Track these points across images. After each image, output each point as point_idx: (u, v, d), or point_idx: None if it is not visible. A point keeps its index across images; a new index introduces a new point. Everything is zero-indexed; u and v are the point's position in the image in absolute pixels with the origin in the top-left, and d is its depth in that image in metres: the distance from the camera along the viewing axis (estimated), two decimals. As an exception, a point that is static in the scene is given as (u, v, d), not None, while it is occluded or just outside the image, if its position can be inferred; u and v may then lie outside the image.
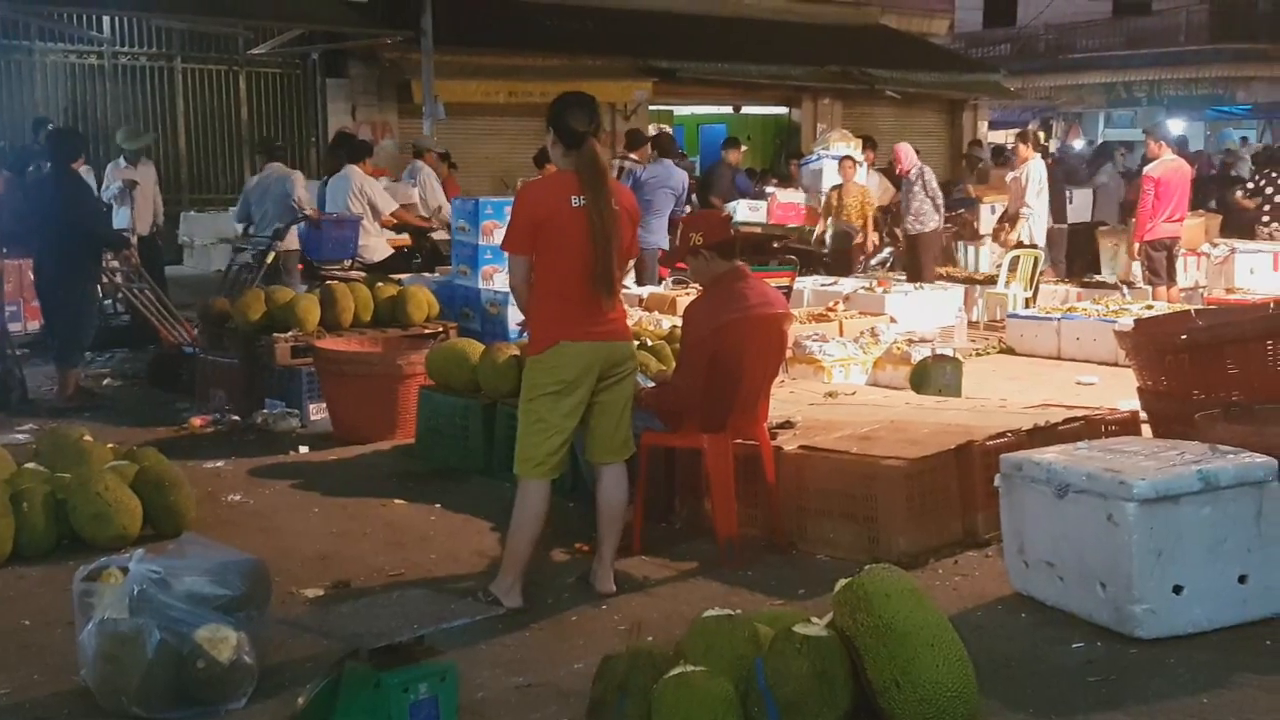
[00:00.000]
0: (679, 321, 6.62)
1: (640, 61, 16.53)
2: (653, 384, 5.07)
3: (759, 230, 13.06)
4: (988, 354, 9.29)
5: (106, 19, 13.80)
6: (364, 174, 9.80)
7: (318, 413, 6.90)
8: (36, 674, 3.68)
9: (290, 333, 7.10)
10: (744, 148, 16.13)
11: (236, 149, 14.86)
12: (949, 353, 7.66)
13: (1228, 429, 4.33)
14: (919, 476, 4.56)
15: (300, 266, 9.41)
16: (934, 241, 11.66)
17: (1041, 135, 15.97)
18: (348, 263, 9.36)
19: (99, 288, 8.41)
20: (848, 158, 12.21)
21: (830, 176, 12.82)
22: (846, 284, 10.34)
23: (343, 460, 6.28)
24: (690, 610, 3.77)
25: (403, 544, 4.90)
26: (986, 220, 12.69)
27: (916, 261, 11.46)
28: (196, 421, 6.96)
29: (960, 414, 5.48)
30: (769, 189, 14.43)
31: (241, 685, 3.40)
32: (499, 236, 7.63)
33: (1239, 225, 13.06)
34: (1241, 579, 3.83)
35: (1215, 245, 11.84)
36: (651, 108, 17.47)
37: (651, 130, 13.61)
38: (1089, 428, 5.08)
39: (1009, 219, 11.02)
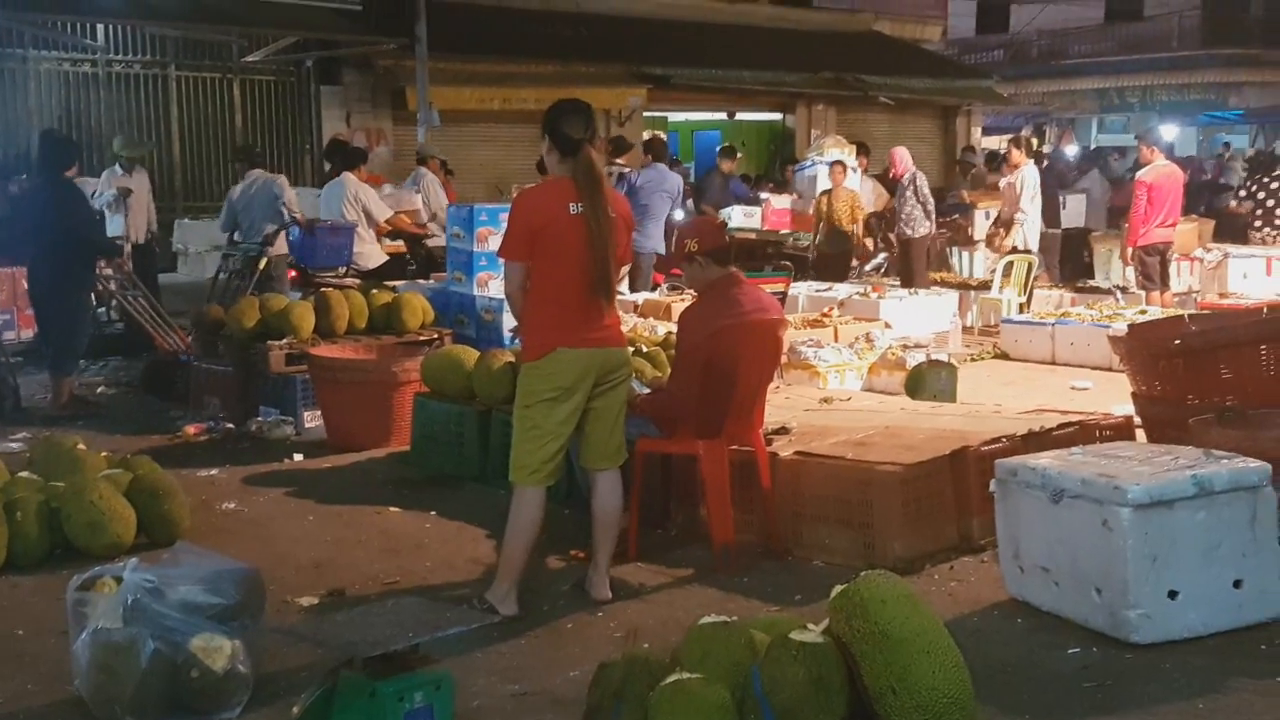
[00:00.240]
0: (674, 327, 6.61)
1: (634, 68, 16.56)
2: (648, 390, 5.07)
3: (754, 236, 13.10)
4: (982, 359, 9.29)
5: (100, 27, 13.80)
6: (359, 181, 9.80)
7: (312, 420, 6.89)
8: (30, 684, 3.66)
9: (285, 340, 7.09)
10: (739, 155, 16.17)
11: (231, 157, 14.83)
12: (944, 358, 7.66)
13: (1222, 434, 4.33)
14: (914, 482, 4.55)
15: (294, 274, 9.40)
16: (924, 247, 11.68)
17: (1034, 141, 15.97)
18: (342, 270, 9.35)
19: (93, 296, 8.39)
20: (838, 163, 12.23)
21: (824, 182, 12.84)
22: (841, 289, 10.35)
23: (337, 468, 6.26)
24: (686, 617, 3.77)
25: (398, 552, 4.89)
26: (980, 226, 12.71)
27: (908, 267, 11.48)
28: (191, 429, 6.94)
29: (955, 419, 5.48)
30: (764, 195, 14.46)
31: (236, 695, 3.39)
32: (494, 243, 7.64)
33: (1231, 230, 13.09)
34: (1236, 584, 3.83)
35: (1208, 250, 11.86)
36: (646, 114, 17.51)
37: (645, 136, 13.63)
38: (1083, 433, 5.08)
39: (1003, 224, 11.04)
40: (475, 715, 3.40)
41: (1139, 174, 10.25)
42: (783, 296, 8.49)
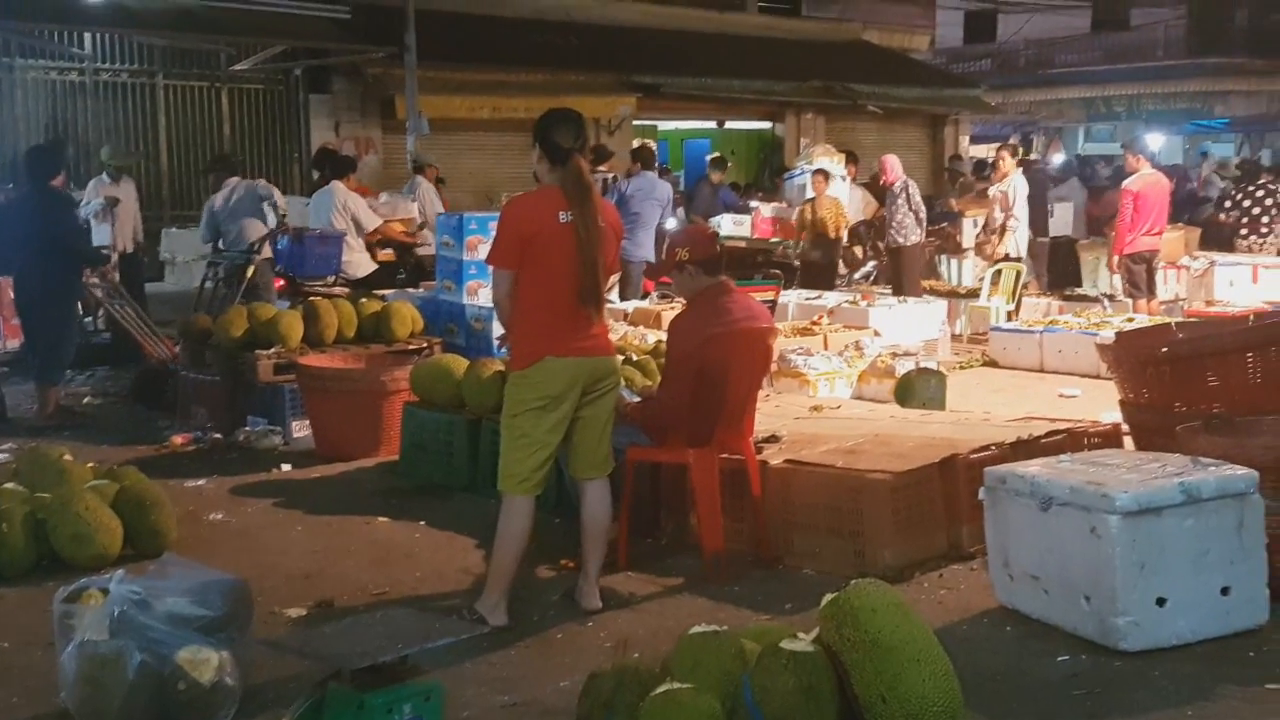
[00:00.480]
0: (664, 336, 6.62)
1: (624, 77, 16.57)
2: (638, 399, 5.07)
3: (744, 244, 13.11)
4: (971, 367, 9.32)
5: (88, 35, 13.76)
6: (347, 189, 9.79)
7: (300, 430, 6.87)
8: (15, 697, 3.64)
9: (273, 349, 7.07)
10: (730, 164, 16.21)
11: (207, 167, 14.78)
12: (933, 366, 7.69)
13: (1209, 441, 4.35)
14: (904, 490, 4.56)
15: (283, 283, 9.39)
16: (917, 255, 11.72)
17: (1020, 150, 16.01)
18: (331, 279, 9.34)
19: (80, 305, 8.36)
20: (819, 171, 12.26)
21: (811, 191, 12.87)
22: (831, 298, 10.37)
23: (326, 478, 6.25)
24: (677, 626, 3.76)
25: (387, 562, 4.88)
26: (969, 234, 12.75)
27: (899, 275, 11.51)
28: (178, 440, 6.91)
29: (944, 427, 5.49)
30: (753, 203, 14.49)
31: (223, 707, 3.37)
32: (483, 251, 7.61)
33: (1217, 238, 13.15)
34: (1224, 591, 3.85)
35: (1195, 258, 11.92)
36: (635, 122, 17.52)
37: (635, 144, 13.64)
38: (1072, 440, 5.10)
39: (994, 231, 11.03)
40: (465, 726, 3.39)
41: (1125, 183, 10.30)
42: (772, 304, 8.52)
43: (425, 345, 7.50)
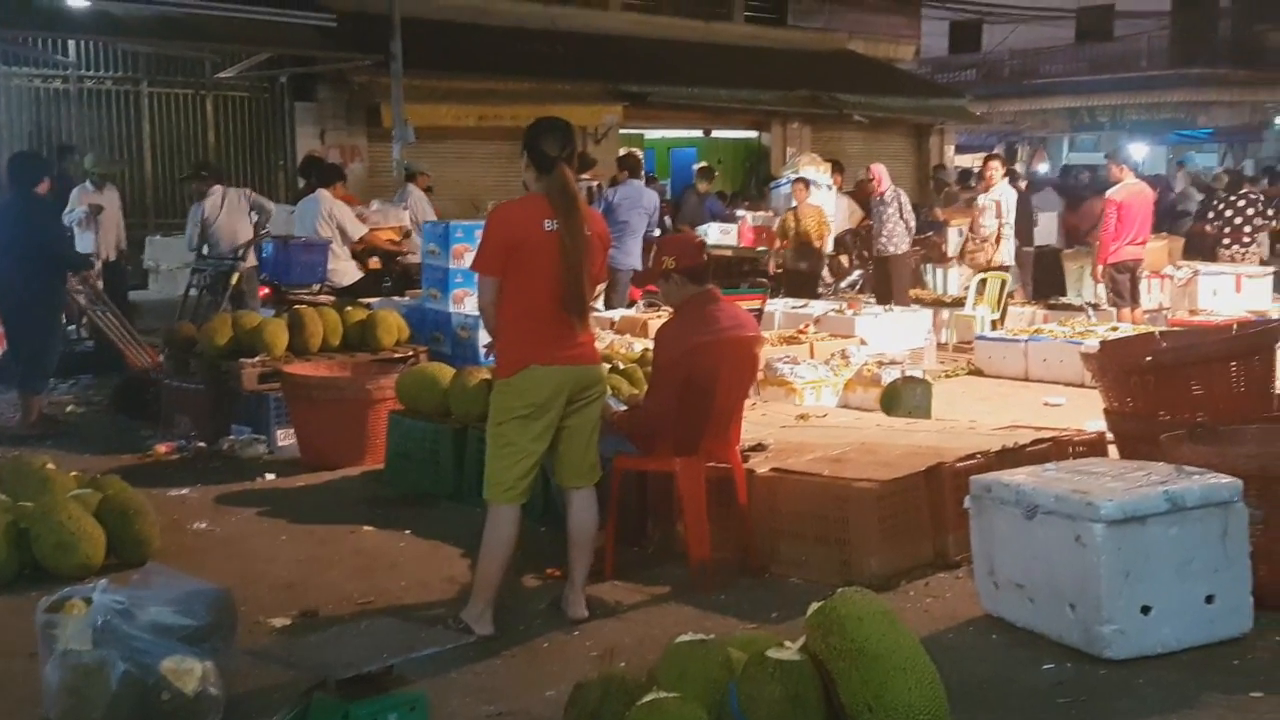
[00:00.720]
0: (651, 344, 6.62)
1: (611, 85, 16.60)
2: (625, 407, 5.07)
3: (730, 253, 13.14)
4: (956, 375, 9.36)
5: (72, 43, 13.71)
6: (333, 198, 9.78)
7: (285, 438, 6.85)
8: (-3, 707, 3.62)
9: (258, 357, 7.05)
10: (716, 174, 16.24)
11: (189, 174, 14.74)
12: (918, 374, 7.71)
13: (1193, 450, 4.37)
14: (890, 498, 4.57)
15: (268, 291, 9.37)
16: (907, 263, 11.78)
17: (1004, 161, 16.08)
18: (316, 287, 9.33)
19: (63, 313, 8.32)
20: (800, 180, 12.29)
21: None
22: (817, 306, 10.40)
23: (311, 486, 6.23)
24: (663, 635, 3.76)
25: (372, 571, 4.86)
26: (954, 243, 12.80)
27: (888, 283, 11.54)
28: (161, 448, 6.89)
29: (930, 435, 5.51)
30: (740, 212, 14.52)
31: (207, 717, 3.35)
32: (470, 260, 7.64)
33: (1201, 248, 13.24)
34: (1209, 599, 3.86)
35: (1178, 267, 11.99)
36: (622, 131, 17.54)
37: (621, 152, 13.67)
38: (1057, 449, 5.12)
39: (985, 240, 11.00)
40: (450, 736, 3.38)
41: (1109, 193, 10.36)
42: (759, 313, 8.54)
43: (411, 354, 7.49)
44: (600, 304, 9.56)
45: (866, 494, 4.54)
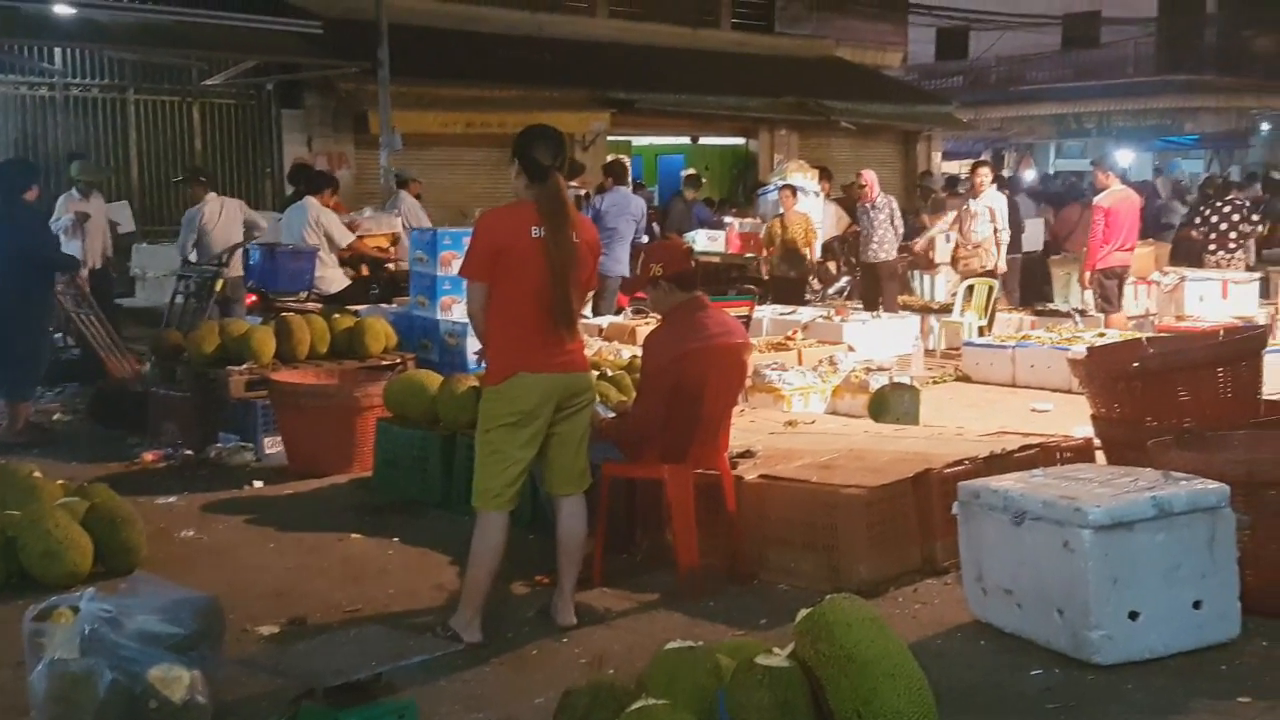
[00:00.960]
0: (639, 351, 6.63)
1: (598, 93, 16.61)
2: (613, 414, 5.07)
3: (718, 260, 13.16)
4: (944, 382, 9.38)
5: (58, 50, 13.66)
6: (320, 205, 9.76)
7: (273, 446, 6.84)
8: (-17, 717, 3.60)
9: (245, 365, 7.04)
10: (704, 181, 16.26)
11: (186, 178, 14.70)
12: (906, 381, 7.73)
13: (1180, 455, 4.39)
14: (879, 505, 4.58)
15: (255, 298, 9.35)
16: (895, 270, 11.83)
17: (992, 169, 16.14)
18: (304, 294, 9.31)
19: (51, 321, 8.28)
20: (787, 187, 12.33)
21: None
22: (805, 313, 10.42)
23: (298, 494, 6.22)
24: (652, 642, 3.76)
25: (360, 579, 4.85)
26: (943, 249, 12.83)
27: (877, 289, 11.57)
28: (148, 456, 6.87)
29: (918, 442, 5.52)
30: (727, 219, 14.55)
31: (195, 725, 3.34)
32: (457, 267, 7.63)
33: (1187, 254, 13.31)
34: (1196, 604, 3.88)
35: (1165, 273, 12.05)
36: (610, 138, 17.55)
37: (608, 159, 13.68)
38: (1044, 455, 5.14)
39: (977, 246, 10.99)
40: (439, 744, 3.37)
41: (1096, 199, 10.39)
42: (747, 320, 8.56)
43: (399, 361, 7.49)
44: (588, 311, 9.57)
45: (855, 500, 4.55)
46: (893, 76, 22.29)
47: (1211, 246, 12.82)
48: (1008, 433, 5.78)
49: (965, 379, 9.45)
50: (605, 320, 9.48)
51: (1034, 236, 13.79)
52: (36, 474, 5.25)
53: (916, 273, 13.48)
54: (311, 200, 9.73)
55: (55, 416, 8.16)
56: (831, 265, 13.80)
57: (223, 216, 9.35)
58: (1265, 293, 11.85)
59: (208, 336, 7.23)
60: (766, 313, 10.25)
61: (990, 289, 10.80)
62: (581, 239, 4.19)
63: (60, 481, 5.34)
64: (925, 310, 11.47)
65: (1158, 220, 16.23)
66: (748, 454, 5.11)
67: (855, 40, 21.47)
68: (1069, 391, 8.15)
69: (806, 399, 7.63)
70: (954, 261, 11.69)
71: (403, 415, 6.12)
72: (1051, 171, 28.17)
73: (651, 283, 4.70)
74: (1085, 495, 3.87)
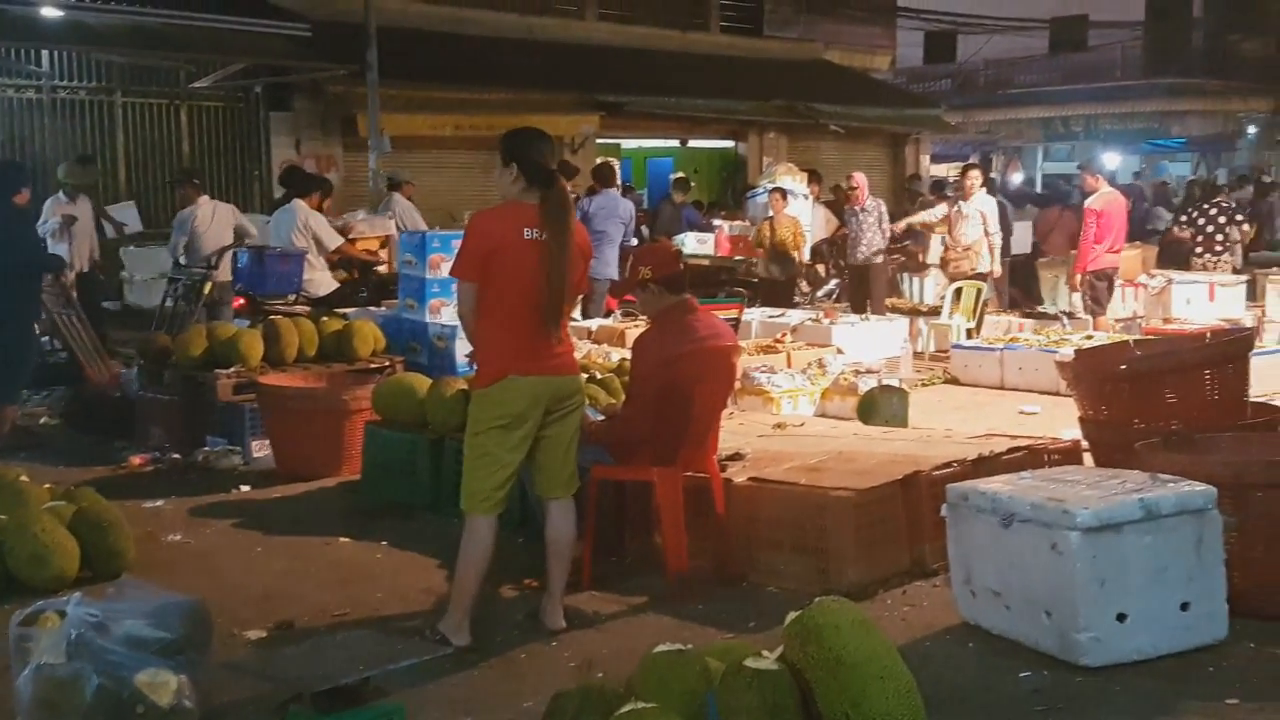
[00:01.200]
0: (628, 354, 6.64)
1: (587, 95, 16.62)
2: (602, 417, 5.07)
3: (707, 262, 13.16)
4: (933, 384, 9.40)
5: (46, 53, 13.61)
6: (309, 208, 9.74)
7: (260, 450, 6.82)
8: (-32, 723, 3.58)
9: (232, 368, 7.02)
10: (693, 184, 16.27)
11: (177, 179, 14.65)
12: (895, 383, 7.74)
13: (1168, 458, 4.41)
14: (867, 507, 4.59)
15: (243, 301, 9.32)
16: (884, 272, 11.86)
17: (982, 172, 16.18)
18: (292, 297, 9.28)
19: (37, 325, 8.24)
20: (777, 190, 12.35)
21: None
22: (794, 316, 10.43)
23: (286, 498, 6.20)
24: (641, 646, 3.74)
25: (348, 583, 4.84)
26: (935, 251, 12.85)
27: (864, 292, 11.59)
28: (135, 460, 6.84)
29: (907, 444, 5.53)
30: (716, 222, 14.56)
31: (182, 731, 3.32)
32: (446, 270, 7.62)
33: (1174, 256, 13.35)
34: (1184, 606, 3.89)
35: (1152, 276, 12.08)
36: (599, 141, 17.56)
37: (597, 161, 13.68)
38: (1032, 457, 5.15)
39: (967, 249, 10.99)
40: (428, 748, 3.36)
41: (1088, 201, 10.41)
42: (736, 322, 8.56)
43: (387, 364, 7.47)
44: (578, 313, 9.57)
45: (844, 503, 4.55)
46: (881, 79, 22.35)
47: (1198, 249, 12.86)
48: (996, 435, 5.79)
49: (954, 381, 9.47)
50: (594, 323, 9.48)
51: (1022, 239, 13.83)
52: (23, 478, 5.23)
53: (905, 275, 13.50)
54: (300, 203, 9.71)
55: (42, 420, 8.13)
56: (820, 268, 13.81)
57: (214, 220, 9.32)
58: (1252, 295, 11.89)
59: (195, 340, 7.21)
60: (755, 315, 10.25)
61: (978, 291, 10.83)
62: (574, 243, 4.19)
63: (47, 485, 5.32)
64: (914, 313, 11.49)
65: (1143, 224, 16.29)
66: (737, 456, 5.11)
67: (844, 43, 21.52)
68: (1057, 394, 8.17)
69: (795, 402, 7.64)
70: (943, 264, 11.72)
71: (391, 418, 6.11)
72: (1039, 176, 28.22)
73: (640, 286, 4.70)
74: (1073, 497, 3.88)
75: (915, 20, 26.37)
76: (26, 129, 13.70)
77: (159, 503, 6.05)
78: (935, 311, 11.28)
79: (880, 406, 7.13)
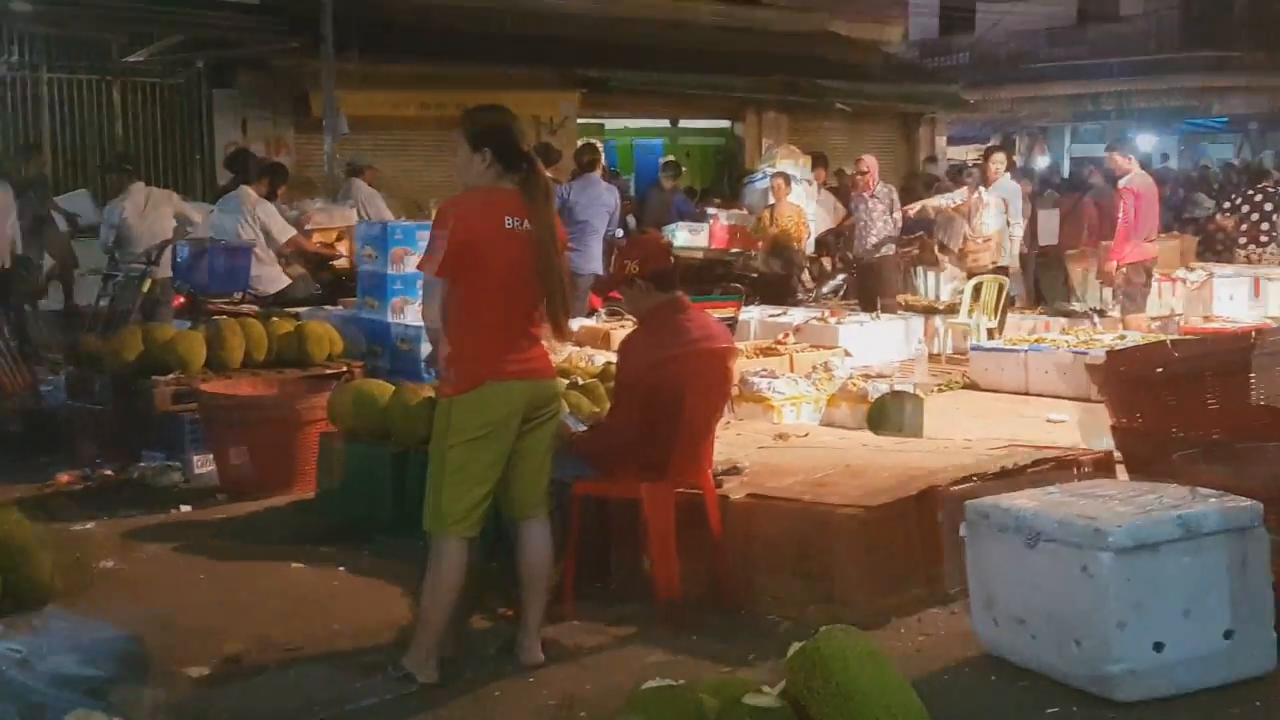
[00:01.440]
0: (613, 357, 6.64)
1: (567, 71, 16.63)
2: (585, 427, 5.07)
3: (700, 256, 13.19)
4: (950, 389, 9.44)
5: (-39, 26, 13.59)
6: (258, 196, 9.73)
7: (203, 465, 6.81)
8: (-125, 772, 3.56)
9: (171, 375, 7.01)
10: (684, 169, 16.28)
11: (107, 166, 14.60)
12: (909, 389, 7.77)
13: (1209, 470, 4.43)
14: (878, 525, 4.60)
15: (183, 300, 9.30)
16: (895, 266, 11.87)
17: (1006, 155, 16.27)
18: (238, 295, 9.26)
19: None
20: (778, 175, 12.38)
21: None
22: (797, 314, 10.45)
23: (232, 519, 6.19)
24: (628, 681, 3.75)
25: (301, 613, 4.83)
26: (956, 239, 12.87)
27: (874, 288, 11.62)
28: (63, 478, 6.82)
29: (922, 456, 5.55)
30: (710, 211, 14.60)
31: (115, 779, 3.31)
32: (410, 264, 7.59)
33: (1215, 248, 13.42)
34: (1227, 635, 3.90)
35: (1191, 269, 12.14)
36: (580, 121, 17.56)
37: (579, 144, 13.69)
38: (1060, 470, 5.17)
39: (987, 240, 11.02)
40: (390, 797, 3.36)
41: (1123, 182, 10.34)
42: (732, 322, 8.57)
43: (345, 369, 7.47)
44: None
45: (851, 521, 4.56)
46: (892, 54, 22.41)
47: (1242, 240, 12.93)
48: (1020, 445, 5.81)
49: (973, 386, 9.51)
50: (576, 323, 9.47)
51: (1049, 230, 13.87)
52: (-63, 498, 5.20)
53: (919, 269, 13.55)
54: (247, 190, 9.69)
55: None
56: (825, 261, 13.85)
57: (149, 209, 9.28)
58: (1301, 290, 11.97)
59: (130, 343, 7.19)
60: (754, 314, 10.27)
61: (1000, 287, 10.86)
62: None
63: (-39, 506, 5.29)
64: (929, 310, 11.53)
65: (1179, 213, 16.36)
66: (734, 470, 5.12)
67: (851, 13, 21.54)
68: (1087, 400, 8.20)
69: (798, 409, 7.66)
70: (961, 256, 11.74)
71: (349, 430, 6.10)
72: (1066, 159, 28.31)
73: (627, 282, 4.70)
74: (1105, 514, 3.89)
75: (930, -14, 26.48)
76: (-58, 110, 13.66)
77: (89, 525, 6.03)
78: (953, 309, 11.31)
79: (892, 414, 7.15)
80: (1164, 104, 29.11)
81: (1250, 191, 13.31)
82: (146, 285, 9.04)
